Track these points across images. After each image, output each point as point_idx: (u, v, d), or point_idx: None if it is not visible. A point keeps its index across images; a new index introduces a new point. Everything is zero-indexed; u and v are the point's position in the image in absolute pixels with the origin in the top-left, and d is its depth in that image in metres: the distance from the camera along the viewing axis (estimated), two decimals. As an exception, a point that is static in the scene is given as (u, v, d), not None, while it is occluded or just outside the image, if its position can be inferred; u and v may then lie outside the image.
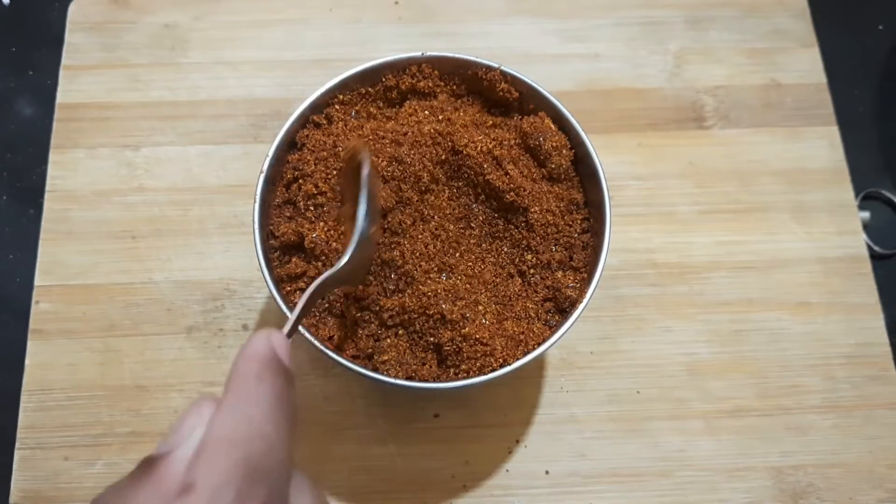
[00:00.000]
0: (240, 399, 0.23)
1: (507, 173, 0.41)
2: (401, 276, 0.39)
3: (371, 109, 0.44)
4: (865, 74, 0.60)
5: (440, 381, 0.38)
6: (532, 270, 0.41)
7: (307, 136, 0.43)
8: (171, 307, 0.49)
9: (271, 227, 0.41)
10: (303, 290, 0.40)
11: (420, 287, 0.39)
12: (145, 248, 0.51)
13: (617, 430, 0.48)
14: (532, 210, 0.41)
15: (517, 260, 0.42)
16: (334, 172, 0.41)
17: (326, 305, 0.40)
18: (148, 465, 0.23)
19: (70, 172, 0.53)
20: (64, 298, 0.49)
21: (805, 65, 0.57)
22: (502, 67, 0.43)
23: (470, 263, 0.41)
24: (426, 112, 0.42)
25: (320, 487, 0.26)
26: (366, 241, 0.36)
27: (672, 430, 0.48)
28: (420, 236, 0.40)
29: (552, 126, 0.42)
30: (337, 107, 0.43)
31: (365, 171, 0.36)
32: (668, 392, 0.48)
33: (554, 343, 0.38)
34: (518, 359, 0.38)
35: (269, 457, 0.22)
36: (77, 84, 0.55)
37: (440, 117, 0.42)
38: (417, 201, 0.40)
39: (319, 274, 0.40)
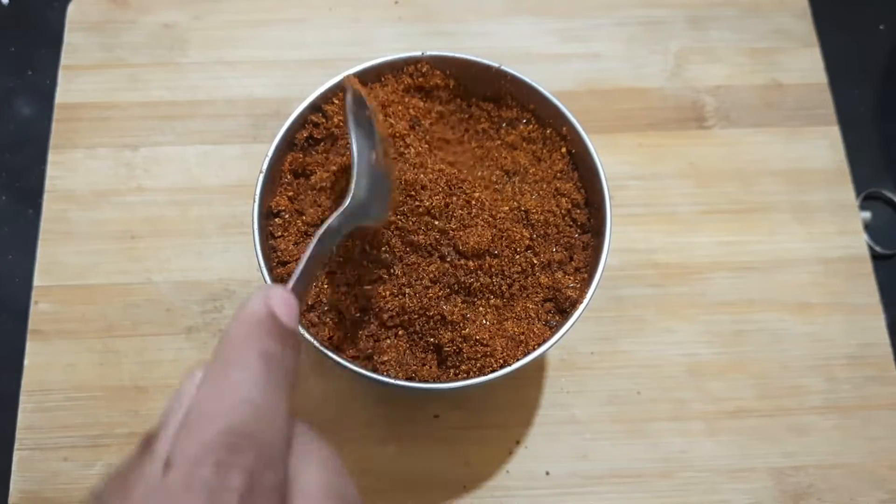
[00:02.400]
0: (225, 365, 0.22)
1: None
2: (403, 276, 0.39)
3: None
4: (866, 74, 0.60)
5: (440, 382, 0.38)
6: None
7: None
8: (170, 308, 0.49)
9: (270, 228, 0.41)
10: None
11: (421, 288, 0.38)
12: (144, 249, 0.51)
13: (618, 430, 0.47)
14: (533, 210, 0.41)
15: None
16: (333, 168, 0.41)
17: (326, 307, 0.39)
18: (142, 444, 0.22)
19: (69, 172, 0.52)
20: (63, 299, 0.49)
21: (806, 65, 0.57)
22: (502, 67, 0.43)
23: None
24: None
25: (334, 445, 0.25)
26: (370, 166, 0.34)
27: (673, 431, 0.47)
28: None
29: None
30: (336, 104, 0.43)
31: (348, 97, 0.35)
32: (669, 393, 0.48)
33: (554, 343, 0.38)
34: (518, 359, 0.38)
35: (255, 421, 0.20)
36: (76, 84, 0.55)
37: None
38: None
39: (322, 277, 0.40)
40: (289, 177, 0.42)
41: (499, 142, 0.45)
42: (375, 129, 0.37)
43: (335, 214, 0.32)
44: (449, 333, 0.38)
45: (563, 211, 0.42)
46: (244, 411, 0.20)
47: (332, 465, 0.22)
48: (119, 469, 0.22)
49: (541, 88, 0.43)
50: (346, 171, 0.39)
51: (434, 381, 0.38)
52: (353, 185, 0.34)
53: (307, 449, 0.22)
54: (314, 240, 0.31)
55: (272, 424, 0.21)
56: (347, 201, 0.33)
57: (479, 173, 0.43)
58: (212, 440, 0.20)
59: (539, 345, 0.39)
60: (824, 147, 0.55)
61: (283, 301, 0.23)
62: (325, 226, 0.32)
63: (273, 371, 0.22)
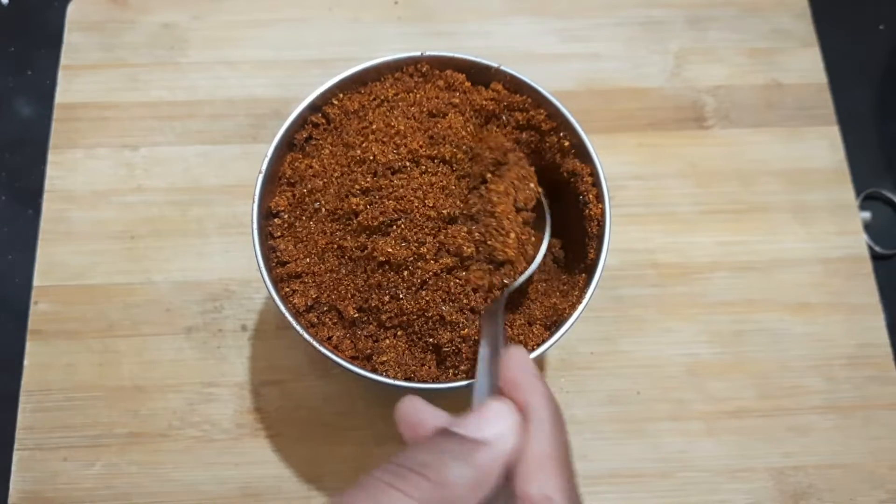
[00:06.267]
0: (552, 417, 0.29)
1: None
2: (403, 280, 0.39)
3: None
4: (866, 74, 0.60)
5: (439, 382, 0.38)
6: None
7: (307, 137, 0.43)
8: (169, 307, 0.49)
9: (270, 228, 0.41)
10: (301, 291, 0.40)
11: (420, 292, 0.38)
12: (144, 249, 0.51)
13: (617, 430, 0.47)
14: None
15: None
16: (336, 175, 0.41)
17: (326, 307, 0.39)
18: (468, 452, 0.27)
19: (69, 172, 0.52)
20: (63, 299, 0.49)
21: (806, 64, 0.57)
22: (502, 67, 0.43)
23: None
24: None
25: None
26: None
27: (672, 431, 0.47)
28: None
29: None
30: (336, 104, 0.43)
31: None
32: (669, 393, 0.48)
33: (553, 343, 0.38)
34: (518, 359, 0.38)
35: (573, 477, 0.28)
36: (76, 84, 0.55)
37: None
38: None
39: (322, 276, 0.39)
40: (288, 177, 0.42)
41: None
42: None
43: (519, 281, 0.38)
44: (448, 334, 0.38)
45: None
46: (570, 467, 0.28)
47: None
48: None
49: (540, 88, 0.43)
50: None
51: (433, 381, 0.38)
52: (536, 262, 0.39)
53: None
54: (501, 306, 0.37)
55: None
56: (531, 272, 0.38)
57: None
58: (570, 479, 0.27)
59: (538, 345, 0.39)
60: (824, 147, 0.55)
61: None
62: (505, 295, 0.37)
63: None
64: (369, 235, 0.38)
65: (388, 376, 0.38)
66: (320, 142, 0.42)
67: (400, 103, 0.42)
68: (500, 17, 0.58)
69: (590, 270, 0.41)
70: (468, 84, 0.43)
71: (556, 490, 0.26)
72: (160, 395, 0.47)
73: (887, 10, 0.62)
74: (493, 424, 0.27)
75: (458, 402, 0.47)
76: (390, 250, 0.37)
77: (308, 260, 0.40)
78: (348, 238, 0.39)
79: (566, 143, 0.43)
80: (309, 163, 0.41)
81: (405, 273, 0.38)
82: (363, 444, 0.46)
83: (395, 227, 0.38)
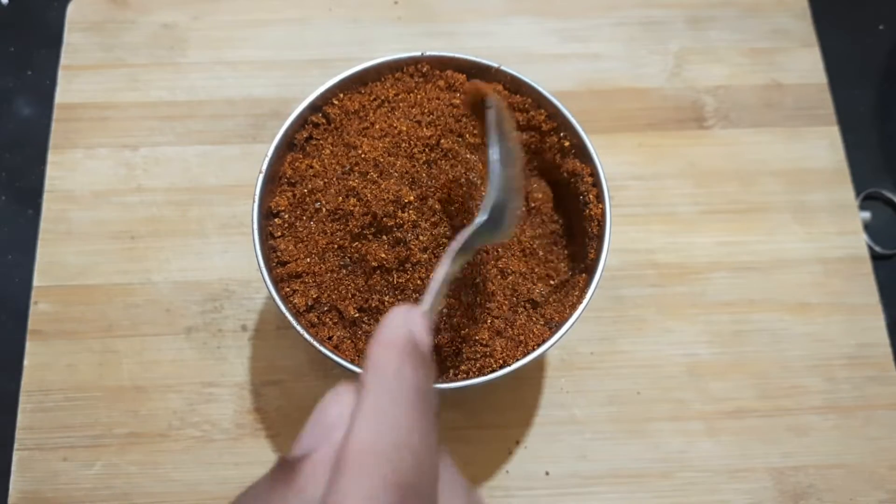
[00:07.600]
0: (380, 400, 0.20)
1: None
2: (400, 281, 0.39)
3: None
4: (866, 74, 0.60)
5: (439, 382, 0.38)
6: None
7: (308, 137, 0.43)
8: (169, 308, 0.49)
9: (270, 228, 0.41)
10: (301, 291, 0.40)
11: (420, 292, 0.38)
12: (144, 249, 0.51)
13: (617, 430, 0.47)
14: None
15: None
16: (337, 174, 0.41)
17: (326, 307, 0.39)
18: (287, 469, 0.21)
19: (69, 173, 0.52)
20: (62, 299, 0.49)
21: (806, 65, 0.57)
22: (502, 67, 0.43)
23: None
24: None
25: (475, 488, 0.23)
26: (505, 183, 0.33)
27: (672, 432, 0.47)
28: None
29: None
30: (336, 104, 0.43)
31: (491, 111, 0.34)
32: (669, 393, 0.48)
33: (554, 344, 0.38)
34: (518, 359, 0.38)
35: (418, 469, 0.20)
36: (76, 84, 0.55)
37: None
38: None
39: (322, 276, 0.39)
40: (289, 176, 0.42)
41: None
42: (513, 142, 0.36)
43: (467, 232, 0.31)
44: (448, 333, 0.38)
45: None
46: (408, 457, 0.19)
47: (474, 500, 0.22)
48: (255, 497, 0.21)
49: (540, 88, 0.43)
50: (461, 185, 0.38)
51: (434, 382, 0.38)
52: (490, 201, 0.33)
53: (454, 488, 0.22)
54: (446, 260, 0.30)
55: (431, 475, 0.20)
56: (483, 218, 0.32)
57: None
58: (381, 488, 0.19)
59: (538, 345, 0.39)
60: (824, 147, 0.55)
61: (423, 326, 0.22)
62: (456, 244, 0.31)
63: (427, 409, 0.21)
64: (363, 239, 0.38)
65: (388, 376, 0.38)
66: (321, 142, 0.42)
67: (401, 104, 0.42)
68: (500, 17, 0.58)
69: (590, 270, 0.41)
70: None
71: (358, 497, 0.19)
72: (160, 396, 0.47)
73: (887, 10, 0.62)
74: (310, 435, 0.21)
75: (459, 402, 0.47)
76: (383, 255, 0.38)
77: (308, 260, 0.40)
78: (348, 238, 0.39)
79: (566, 144, 0.43)
80: (309, 163, 0.41)
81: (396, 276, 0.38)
82: (363, 444, 0.46)
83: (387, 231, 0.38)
